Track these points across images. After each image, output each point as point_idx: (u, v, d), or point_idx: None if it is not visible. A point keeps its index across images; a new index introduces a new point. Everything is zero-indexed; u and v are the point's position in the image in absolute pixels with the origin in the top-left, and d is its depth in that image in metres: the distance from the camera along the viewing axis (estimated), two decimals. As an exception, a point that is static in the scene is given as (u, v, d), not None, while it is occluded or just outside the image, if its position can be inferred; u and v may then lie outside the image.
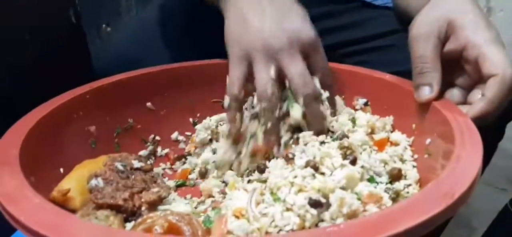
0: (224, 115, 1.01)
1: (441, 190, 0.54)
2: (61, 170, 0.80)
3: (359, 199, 0.72)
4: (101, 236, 0.47)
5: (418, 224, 0.48)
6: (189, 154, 1.00)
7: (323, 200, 0.70)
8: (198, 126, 1.02)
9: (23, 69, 1.01)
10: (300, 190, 0.72)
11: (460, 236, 1.56)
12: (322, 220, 0.69)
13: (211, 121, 1.01)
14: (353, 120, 0.95)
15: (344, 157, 0.80)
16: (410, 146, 0.86)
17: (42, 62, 1.02)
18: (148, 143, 1.02)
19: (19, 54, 0.99)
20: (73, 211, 0.74)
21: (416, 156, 0.84)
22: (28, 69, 1.01)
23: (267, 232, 0.68)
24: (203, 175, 0.92)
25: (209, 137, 1.00)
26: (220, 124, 1.00)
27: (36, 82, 0.84)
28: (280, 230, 0.68)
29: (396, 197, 0.76)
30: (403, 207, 0.51)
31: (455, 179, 0.56)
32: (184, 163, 0.99)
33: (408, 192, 0.76)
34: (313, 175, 0.73)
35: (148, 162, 0.94)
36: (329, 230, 0.47)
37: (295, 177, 0.73)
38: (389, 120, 0.92)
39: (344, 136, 0.87)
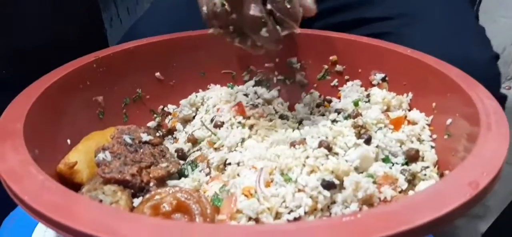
0: (211, 91, 0.97)
1: (465, 178, 0.51)
2: (68, 141, 0.79)
3: (373, 181, 0.69)
4: (107, 217, 0.45)
5: (439, 217, 0.45)
6: (175, 129, 0.95)
7: (337, 182, 0.68)
8: (182, 101, 0.97)
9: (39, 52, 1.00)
10: (312, 171, 0.69)
11: (473, 213, 1.54)
12: (334, 202, 0.67)
13: (197, 97, 0.97)
14: (368, 97, 0.91)
15: (358, 136, 0.77)
16: (429, 125, 0.82)
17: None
18: (157, 115, 0.99)
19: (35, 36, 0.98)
20: (80, 184, 0.73)
21: (434, 136, 0.80)
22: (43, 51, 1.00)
23: (277, 213, 0.67)
24: (194, 142, 0.87)
25: (193, 114, 0.95)
26: (205, 100, 0.95)
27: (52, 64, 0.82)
28: (291, 211, 0.66)
29: (412, 179, 0.73)
30: (424, 197, 0.48)
31: (480, 167, 0.53)
32: (175, 138, 0.95)
33: (425, 175, 0.73)
34: (326, 155, 0.70)
35: (157, 134, 0.92)
36: (345, 220, 0.44)
37: (307, 157, 0.70)
38: (406, 98, 0.88)
39: (358, 114, 0.83)
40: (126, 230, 0.43)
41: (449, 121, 0.76)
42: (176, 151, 0.85)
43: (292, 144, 0.75)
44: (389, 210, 0.46)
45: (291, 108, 1.01)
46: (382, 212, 0.46)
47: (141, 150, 0.77)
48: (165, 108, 1.00)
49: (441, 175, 0.72)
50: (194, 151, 0.85)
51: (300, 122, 0.91)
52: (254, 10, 0.69)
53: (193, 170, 0.79)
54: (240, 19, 0.71)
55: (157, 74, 0.99)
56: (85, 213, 0.46)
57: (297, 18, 0.72)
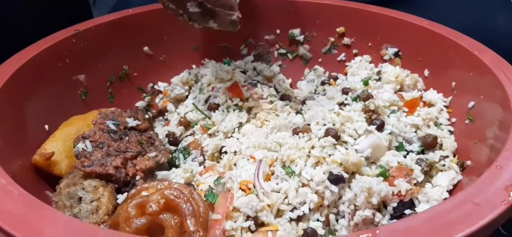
0: (206, 67, 0.88)
1: (502, 181, 0.43)
2: (46, 127, 0.71)
3: (386, 176, 0.61)
4: (75, 233, 0.38)
5: (474, 231, 0.38)
6: (166, 110, 0.87)
7: (346, 175, 0.60)
8: (174, 79, 0.89)
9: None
10: (318, 163, 0.62)
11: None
12: (341, 197, 0.60)
13: (190, 75, 0.88)
14: (378, 74, 0.82)
15: (369, 121, 0.68)
16: (447, 107, 0.74)
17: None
18: (146, 94, 0.91)
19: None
20: (59, 176, 0.66)
21: (454, 120, 0.72)
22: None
23: (279, 210, 0.60)
24: (187, 125, 0.79)
25: (186, 93, 0.87)
26: (199, 78, 0.86)
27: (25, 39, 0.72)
28: (294, 208, 0.59)
29: (429, 170, 0.65)
30: (453, 207, 0.41)
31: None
32: (166, 120, 0.87)
33: (443, 165, 0.65)
34: (334, 145, 0.62)
35: (146, 116, 0.84)
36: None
37: (313, 147, 0.62)
38: (421, 77, 0.79)
39: (369, 96, 0.74)
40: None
41: (471, 104, 0.68)
42: (167, 135, 0.77)
43: (295, 132, 0.67)
44: (412, 225, 0.39)
45: (293, 86, 0.93)
46: (404, 230, 0.39)
47: (127, 138, 0.69)
48: (155, 86, 0.92)
49: (461, 166, 0.65)
50: (186, 136, 0.77)
51: (303, 102, 0.83)
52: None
53: (185, 158, 0.71)
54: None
55: (146, 48, 0.90)
56: (50, 231, 0.39)
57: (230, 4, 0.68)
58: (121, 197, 0.61)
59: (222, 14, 0.68)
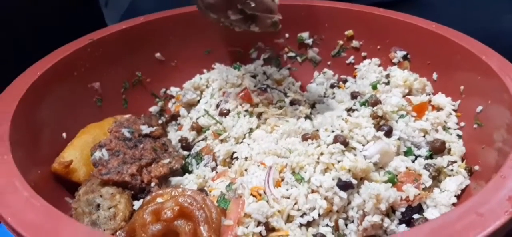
0: (216, 72, 0.90)
1: (506, 191, 0.44)
2: (64, 135, 0.73)
3: (394, 182, 0.63)
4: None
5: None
6: (178, 114, 0.88)
7: (354, 181, 0.62)
8: (186, 84, 0.90)
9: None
10: (327, 169, 0.63)
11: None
12: (350, 203, 0.61)
13: (201, 79, 0.89)
14: (387, 77, 0.83)
15: (378, 127, 0.69)
16: (455, 111, 0.74)
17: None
18: (159, 99, 0.93)
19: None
20: (78, 183, 0.68)
21: (462, 123, 0.73)
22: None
23: (289, 216, 0.61)
24: (199, 130, 0.81)
25: (198, 98, 0.88)
26: (210, 83, 0.87)
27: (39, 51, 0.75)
28: (304, 214, 0.61)
29: (437, 175, 0.66)
30: (460, 215, 0.42)
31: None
32: (178, 124, 0.88)
33: (452, 170, 0.66)
34: (342, 151, 0.64)
35: (160, 121, 0.86)
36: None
37: (322, 154, 0.64)
38: (429, 81, 0.80)
39: (377, 101, 0.75)
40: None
41: (479, 108, 0.69)
42: (180, 140, 0.79)
43: (305, 137, 0.68)
44: (419, 233, 0.40)
45: (302, 89, 0.94)
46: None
47: (141, 145, 0.71)
48: (168, 91, 0.94)
49: (469, 170, 0.66)
50: (199, 141, 0.79)
51: (313, 106, 0.84)
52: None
53: (198, 163, 0.74)
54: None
55: (158, 54, 0.92)
56: (72, 240, 0.41)
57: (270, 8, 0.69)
58: (137, 204, 0.64)
59: (263, 18, 0.70)
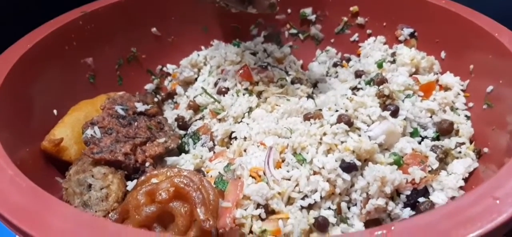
0: (215, 49, 0.86)
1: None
2: (55, 111, 0.70)
3: (400, 163, 0.60)
4: (84, 230, 0.37)
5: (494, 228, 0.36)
6: (175, 92, 0.85)
7: (358, 163, 0.59)
8: (183, 61, 0.87)
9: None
10: (329, 150, 0.60)
11: None
12: (353, 185, 0.59)
13: (199, 56, 0.86)
14: (393, 56, 0.80)
15: (383, 107, 0.66)
16: (464, 91, 0.71)
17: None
18: (155, 76, 0.89)
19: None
20: (68, 163, 0.66)
21: (471, 104, 0.70)
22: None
23: (290, 198, 0.59)
24: (196, 108, 0.78)
25: (195, 76, 0.85)
26: (208, 60, 0.84)
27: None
28: (305, 196, 0.58)
29: (444, 157, 0.63)
30: (471, 202, 0.39)
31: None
32: (175, 102, 0.85)
33: (459, 152, 0.63)
34: (346, 131, 0.61)
35: (155, 99, 0.83)
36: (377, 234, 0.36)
37: (324, 134, 0.61)
38: (437, 59, 0.76)
39: (383, 80, 0.72)
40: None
41: (490, 88, 0.66)
42: (176, 119, 0.76)
43: (307, 117, 0.65)
44: (431, 221, 0.38)
45: (304, 67, 0.91)
46: (418, 226, 0.37)
47: (136, 123, 0.68)
48: (164, 68, 0.90)
49: (478, 153, 0.63)
50: (196, 120, 0.76)
51: (314, 85, 0.81)
52: None
53: (195, 143, 0.71)
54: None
55: (154, 29, 0.88)
56: (57, 223, 0.38)
57: None
58: (130, 184, 0.61)
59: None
